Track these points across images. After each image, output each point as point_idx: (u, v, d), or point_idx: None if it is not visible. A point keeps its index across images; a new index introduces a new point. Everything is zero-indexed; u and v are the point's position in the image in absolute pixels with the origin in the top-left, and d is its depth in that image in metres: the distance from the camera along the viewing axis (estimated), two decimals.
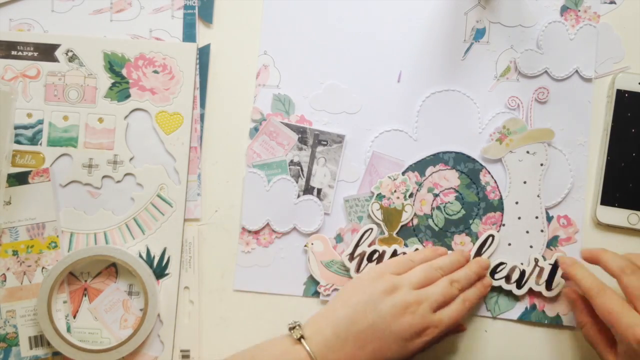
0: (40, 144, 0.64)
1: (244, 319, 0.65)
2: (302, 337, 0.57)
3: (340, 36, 0.66)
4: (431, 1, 0.66)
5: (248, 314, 0.65)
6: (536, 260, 0.64)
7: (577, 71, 0.65)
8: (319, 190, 0.65)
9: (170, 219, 0.64)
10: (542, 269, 0.64)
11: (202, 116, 0.66)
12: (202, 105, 0.66)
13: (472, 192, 0.65)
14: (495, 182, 0.65)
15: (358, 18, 0.66)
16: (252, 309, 0.65)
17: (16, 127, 0.65)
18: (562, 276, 0.63)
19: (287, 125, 0.65)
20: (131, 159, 0.65)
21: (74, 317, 0.64)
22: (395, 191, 0.64)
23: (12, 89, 0.64)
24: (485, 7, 0.66)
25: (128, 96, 0.65)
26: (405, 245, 0.65)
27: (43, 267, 0.63)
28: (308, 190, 0.65)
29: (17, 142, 0.64)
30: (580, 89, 0.65)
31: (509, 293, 0.64)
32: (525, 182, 0.65)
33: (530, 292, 0.64)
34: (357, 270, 0.64)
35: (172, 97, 0.65)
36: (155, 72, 0.65)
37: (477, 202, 0.65)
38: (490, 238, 0.64)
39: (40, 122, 0.65)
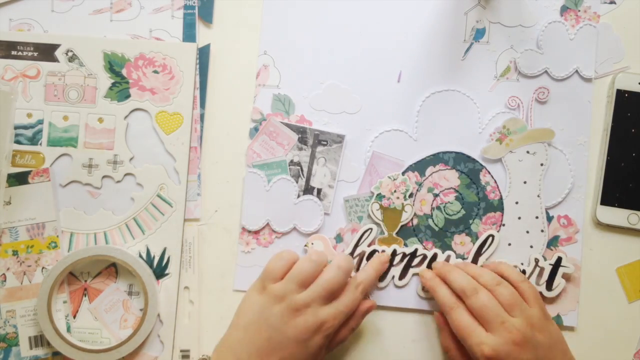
0: (40, 144, 0.64)
1: None
2: None
3: (340, 36, 0.66)
4: (431, 1, 0.66)
5: None
6: (536, 261, 0.64)
7: (577, 71, 0.65)
8: (319, 190, 0.65)
9: (170, 219, 0.64)
10: (542, 269, 0.64)
11: (202, 116, 0.65)
12: (202, 105, 0.66)
13: (472, 192, 0.65)
14: (495, 182, 0.65)
15: (358, 18, 0.66)
16: None
17: (16, 127, 0.65)
18: (563, 276, 0.63)
19: (287, 125, 0.65)
20: (131, 159, 0.65)
21: (74, 317, 0.64)
22: (395, 191, 0.64)
23: (12, 89, 0.64)
24: (485, 7, 0.66)
25: (128, 96, 0.65)
26: (405, 245, 0.65)
27: (43, 267, 0.63)
28: (308, 190, 0.65)
29: (17, 142, 0.64)
30: (580, 89, 0.65)
31: None
32: (525, 182, 0.65)
33: None
34: (357, 270, 0.64)
35: (172, 97, 0.65)
36: (155, 72, 0.65)
37: (477, 202, 0.65)
38: (490, 238, 0.64)
39: (40, 122, 0.65)
